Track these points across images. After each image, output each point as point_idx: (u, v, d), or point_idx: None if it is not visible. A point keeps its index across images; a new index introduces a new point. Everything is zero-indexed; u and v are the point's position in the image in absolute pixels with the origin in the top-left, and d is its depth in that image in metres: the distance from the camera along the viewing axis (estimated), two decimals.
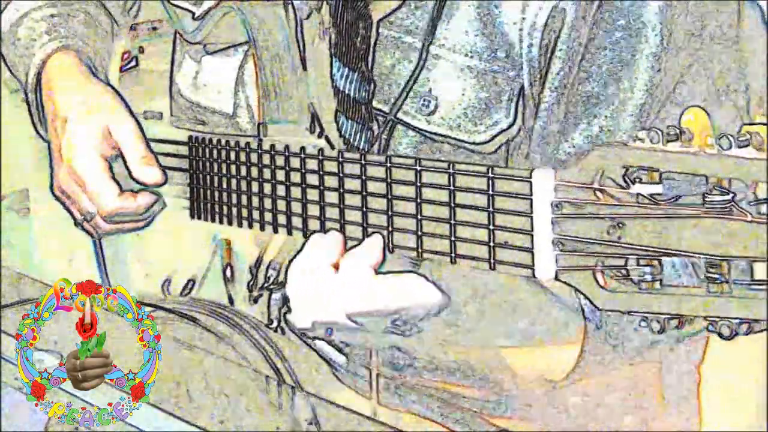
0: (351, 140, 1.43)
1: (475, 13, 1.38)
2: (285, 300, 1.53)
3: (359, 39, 1.42)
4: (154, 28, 1.60)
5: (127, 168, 1.54)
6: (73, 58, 1.60)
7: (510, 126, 1.39)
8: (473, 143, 1.39)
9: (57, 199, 1.59)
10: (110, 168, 1.55)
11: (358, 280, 1.33)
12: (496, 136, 1.39)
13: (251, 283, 1.55)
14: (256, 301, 1.55)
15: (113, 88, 1.58)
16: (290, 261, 1.41)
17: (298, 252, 1.40)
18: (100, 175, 1.53)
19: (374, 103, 1.42)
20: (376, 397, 1.49)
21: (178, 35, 1.58)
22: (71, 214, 1.59)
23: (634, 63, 1.30)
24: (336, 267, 1.36)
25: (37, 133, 1.62)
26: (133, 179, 1.54)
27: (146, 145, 1.54)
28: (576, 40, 1.32)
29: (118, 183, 1.54)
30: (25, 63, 1.61)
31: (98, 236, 1.60)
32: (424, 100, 1.40)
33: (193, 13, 1.55)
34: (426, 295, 1.34)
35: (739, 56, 1.32)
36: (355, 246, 1.34)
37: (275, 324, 1.55)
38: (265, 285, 1.54)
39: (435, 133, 1.40)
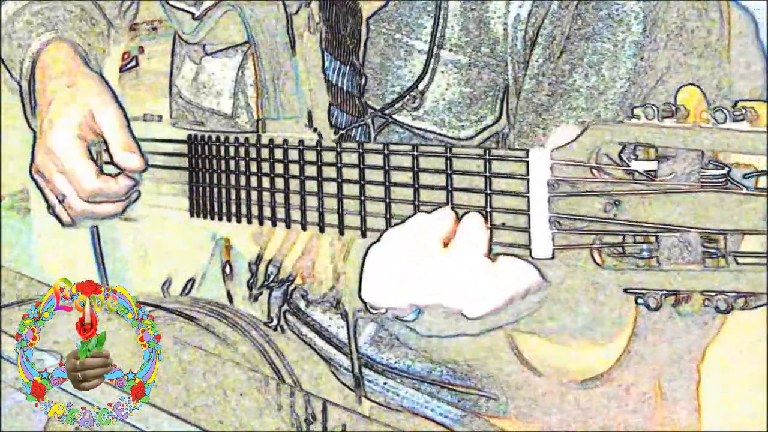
0: (346, 133, 1.44)
1: (460, 7, 1.39)
2: (285, 296, 1.53)
3: (349, 33, 1.43)
4: (155, 28, 1.61)
5: (109, 153, 1.55)
6: (68, 48, 1.61)
7: (495, 122, 1.39)
8: (458, 139, 1.40)
9: (33, 180, 1.60)
10: (89, 150, 1.56)
11: (473, 269, 1.18)
12: (481, 131, 1.40)
13: (251, 281, 1.55)
14: (256, 299, 1.55)
15: (103, 77, 1.60)
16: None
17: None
18: (78, 155, 1.54)
19: (365, 98, 1.43)
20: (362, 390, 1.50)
21: (177, 36, 1.60)
22: (45, 198, 1.60)
23: (616, 53, 1.30)
24: (445, 244, 1.21)
25: (28, 123, 1.63)
26: (114, 165, 1.55)
27: (129, 131, 1.55)
28: (557, 29, 1.32)
29: (97, 164, 1.55)
30: (21, 53, 1.62)
31: (70, 221, 1.60)
32: (409, 96, 1.41)
33: (192, 14, 1.56)
34: (531, 281, 1.20)
35: (723, 61, 1.33)
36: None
37: (275, 322, 1.55)
38: (265, 283, 1.54)
39: (420, 129, 1.41)
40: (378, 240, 1.24)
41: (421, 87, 1.40)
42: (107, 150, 1.55)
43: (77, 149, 1.54)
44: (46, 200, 1.61)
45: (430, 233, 1.20)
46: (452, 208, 1.20)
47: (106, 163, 1.58)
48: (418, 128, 1.41)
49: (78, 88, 1.57)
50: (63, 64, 1.59)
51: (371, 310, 1.25)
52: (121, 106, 1.56)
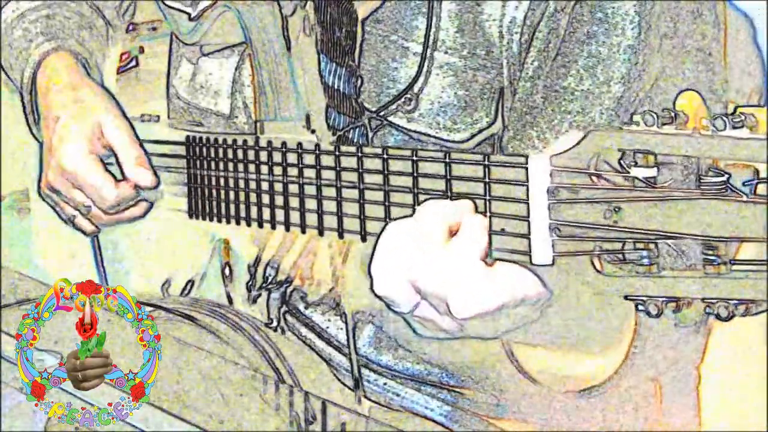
0: (344, 134, 1.43)
1: (456, 9, 1.38)
2: (284, 297, 1.53)
3: (344, 34, 1.43)
4: (154, 28, 1.61)
5: (120, 169, 1.55)
6: (68, 58, 1.61)
7: (491, 124, 1.39)
8: (453, 142, 1.40)
9: (44, 199, 1.60)
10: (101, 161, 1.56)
11: (466, 271, 1.16)
12: (476, 134, 1.39)
13: (250, 282, 1.55)
14: (255, 301, 1.55)
15: (107, 90, 1.59)
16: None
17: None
18: (94, 171, 1.54)
19: (361, 99, 1.43)
20: (361, 390, 1.50)
21: (174, 37, 1.59)
22: (58, 213, 1.60)
23: (611, 56, 1.30)
24: (451, 233, 1.18)
25: (32, 134, 1.62)
26: (124, 178, 1.55)
27: (140, 146, 1.55)
28: (553, 32, 1.32)
29: (112, 174, 1.55)
30: (20, 64, 1.62)
31: (95, 230, 1.60)
32: (404, 98, 1.40)
33: (189, 14, 1.56)
34: (531, 289, 1.18)
35: (718, 65, 1.32)
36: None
37: (275, 323, 1.55)
38: (264, 284, 1.54)
39: (415, 131, 1.41)
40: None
41: (416, 89, 1.39)
42: (118, 165, 1.55)
43: (91, 165, 1.54)
44: (60, 215, 1.60)
45: (439, 219, 1.18)
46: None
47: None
48: (413, 130, 1.40)
49: (84, 103, 1.56)
50: (65, 76, 1.59)
51: (374, 292, 1.22)
52: (126, 118, 1.56)
